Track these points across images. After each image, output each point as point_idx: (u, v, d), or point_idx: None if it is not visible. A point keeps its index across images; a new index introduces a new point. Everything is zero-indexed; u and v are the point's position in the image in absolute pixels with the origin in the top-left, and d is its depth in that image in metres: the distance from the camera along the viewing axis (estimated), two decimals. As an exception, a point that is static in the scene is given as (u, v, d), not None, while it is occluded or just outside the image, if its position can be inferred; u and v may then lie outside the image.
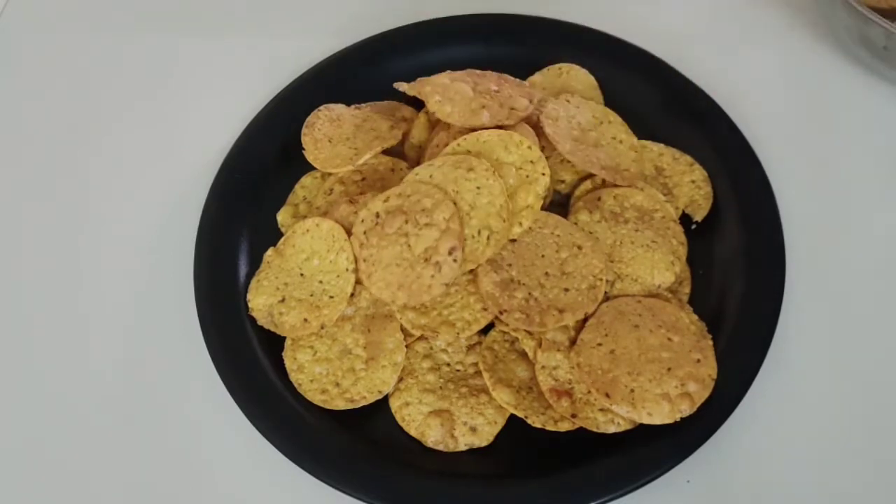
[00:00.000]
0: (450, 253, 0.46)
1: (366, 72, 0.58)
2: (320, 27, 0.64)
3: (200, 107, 0.61)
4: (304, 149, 0.53)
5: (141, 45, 0.64)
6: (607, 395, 0.44)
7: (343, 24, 0.62)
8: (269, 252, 0.51)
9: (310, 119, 0.55)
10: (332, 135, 0.54)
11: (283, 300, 0.49)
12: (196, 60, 0.63)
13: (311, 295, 0.49)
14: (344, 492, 0.43)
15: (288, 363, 0.48)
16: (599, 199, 0.51)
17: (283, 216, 0.53)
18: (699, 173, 0.53)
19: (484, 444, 0.45)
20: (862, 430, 0.47)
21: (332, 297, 0.48)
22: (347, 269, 0.48)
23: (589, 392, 0.44)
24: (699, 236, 0.51)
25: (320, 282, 0.49)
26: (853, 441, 0.46)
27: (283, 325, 0.48)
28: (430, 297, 0.46)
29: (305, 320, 0.48)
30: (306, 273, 0.49)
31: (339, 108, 0.56)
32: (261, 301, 0.49)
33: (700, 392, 0.44)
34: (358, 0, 0.65)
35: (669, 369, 0.44)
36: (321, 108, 0.55)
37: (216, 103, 0.60)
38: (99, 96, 0.62)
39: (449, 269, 0.46)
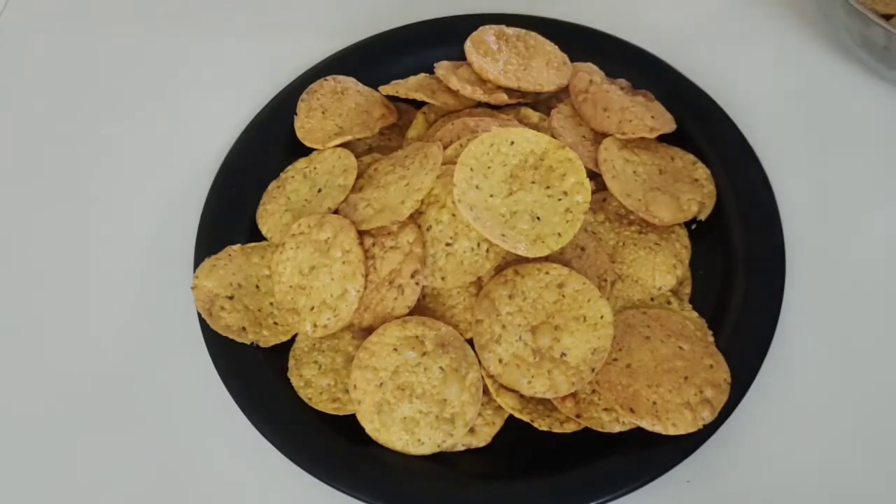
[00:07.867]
0: (412, 276, 0.46)
1: (366, 72, 0.58)
2: (320, 27, 0.64)
3: (200, 107, 0.61)
4: (296, 114, 0.53)
5: (141, 45, 0.64)
6: (632, 411, 0.43)
7: (343, 24, 0.62)
8: (236, 248, 0.50)
9: (313, 86, 0.54)
10: (328, 107, 0.53)
11: (231, 297, 0.48)
12: (196, 61, 0.63)
13: (259, 311, 0.48)
14: (344, 492, 0.43)
15: (294, 381, 0.47)
16: (605, 199, 0.51)
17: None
18: (703, 171, 0.53)
19: (482, 444, 0.45)
20: (862, 429, 0.47)
21: (276, 323, 0.48)
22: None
23: (612, 408, 0.44)
24: (699, 236, 0.51)
25: (271, 304, 0.48)
26: (853, 441, 0.46)
27: (217, 320, 0.47)
28: (394, 318, 0.46)
29: (244, 329, 0.47)
30: (262, 288, 0.49)
31: (347, 82, 0.55)
32: (209, 285, 0.48)
33: (718, 397, 0.44)
34: (358, 0, 0.65)
35: (686, 378, 0.44)
36: (328, 77, 0.55)
37: (216, 103, 0.60)
38: (98, 96, 0.62)
39: (411, 292, 0.46)
